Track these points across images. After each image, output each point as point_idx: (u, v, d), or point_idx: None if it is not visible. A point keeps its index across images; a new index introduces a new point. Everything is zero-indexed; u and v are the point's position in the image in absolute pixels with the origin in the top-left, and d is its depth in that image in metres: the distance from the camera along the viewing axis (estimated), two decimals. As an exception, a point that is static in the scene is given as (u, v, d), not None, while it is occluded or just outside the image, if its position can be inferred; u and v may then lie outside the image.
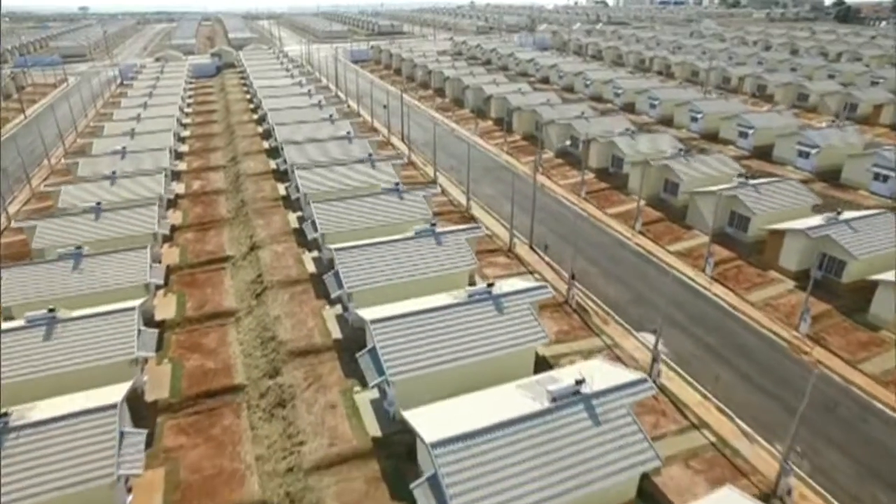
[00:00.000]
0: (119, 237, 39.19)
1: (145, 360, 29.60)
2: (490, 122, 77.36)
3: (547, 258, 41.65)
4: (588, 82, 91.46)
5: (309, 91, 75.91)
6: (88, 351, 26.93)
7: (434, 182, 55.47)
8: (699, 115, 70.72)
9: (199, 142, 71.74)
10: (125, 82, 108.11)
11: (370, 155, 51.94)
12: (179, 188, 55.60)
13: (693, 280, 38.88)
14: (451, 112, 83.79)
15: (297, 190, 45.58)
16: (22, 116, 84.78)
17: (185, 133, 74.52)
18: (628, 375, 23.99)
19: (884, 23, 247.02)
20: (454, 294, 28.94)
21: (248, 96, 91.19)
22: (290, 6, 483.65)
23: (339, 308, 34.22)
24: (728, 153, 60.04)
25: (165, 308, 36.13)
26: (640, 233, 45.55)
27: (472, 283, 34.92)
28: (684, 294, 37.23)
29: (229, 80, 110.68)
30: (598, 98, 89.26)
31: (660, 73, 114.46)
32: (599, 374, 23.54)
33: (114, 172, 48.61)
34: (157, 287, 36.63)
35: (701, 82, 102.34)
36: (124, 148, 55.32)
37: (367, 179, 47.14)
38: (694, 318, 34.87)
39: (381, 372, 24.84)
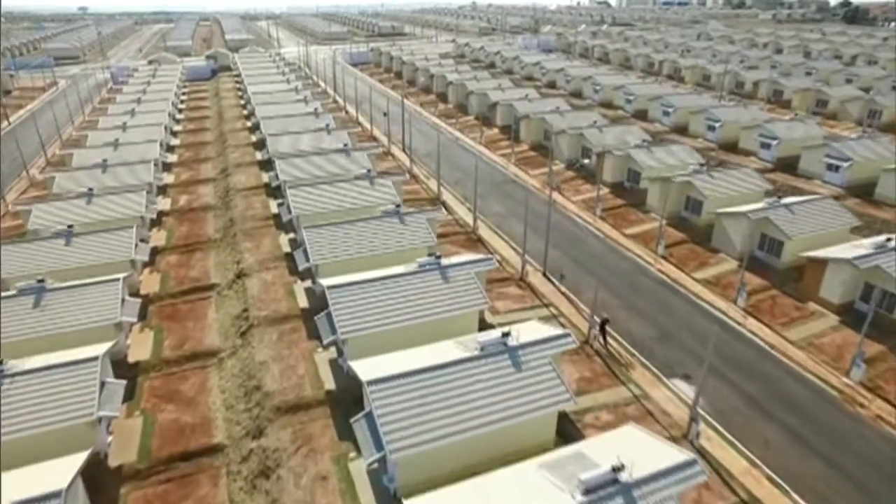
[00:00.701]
0: (93, 264, 35.53)
1: (100, 420, 24.72)
2: (496, 131, 73.65)
3: (563, 288, 37.92)
4: (597, 87, 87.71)
5: (305, 98, 72.22)
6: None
7: (438, 201, 51.82)
8: (717, 124, 66.96)
9: (188, 151, 68.07)
10: (115, 86, 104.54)
11: (369, 171, 48.22)
12: (165, 204, 51.90)
13: (724, 313, 35.17)
14: (454, 119, 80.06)
15: (289, 211, 41.88)
16: (5, 123, 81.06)
17: (175, 142, 70.88)
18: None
19: (893, 23, 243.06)
20: (463, 343, 25.30)
21: (243, 102, 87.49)
22: (289, 6, 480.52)
23: (332, 352, 30.49)
24: (750, 165, 56.43)
25: (140, 347, 32.37)
26: (663, 257, 41.83)
27: (482, 324, 31.30)
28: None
29: (224, 84, 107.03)
30: (607, 104, 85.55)
31: (670, 76, 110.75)
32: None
33: (91, 189, 44.94)
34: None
35: (713, 87, 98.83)
36: (105, 161, 51.61)
37: (365, 199, 43.38)
38: (729, 359, 31.07)
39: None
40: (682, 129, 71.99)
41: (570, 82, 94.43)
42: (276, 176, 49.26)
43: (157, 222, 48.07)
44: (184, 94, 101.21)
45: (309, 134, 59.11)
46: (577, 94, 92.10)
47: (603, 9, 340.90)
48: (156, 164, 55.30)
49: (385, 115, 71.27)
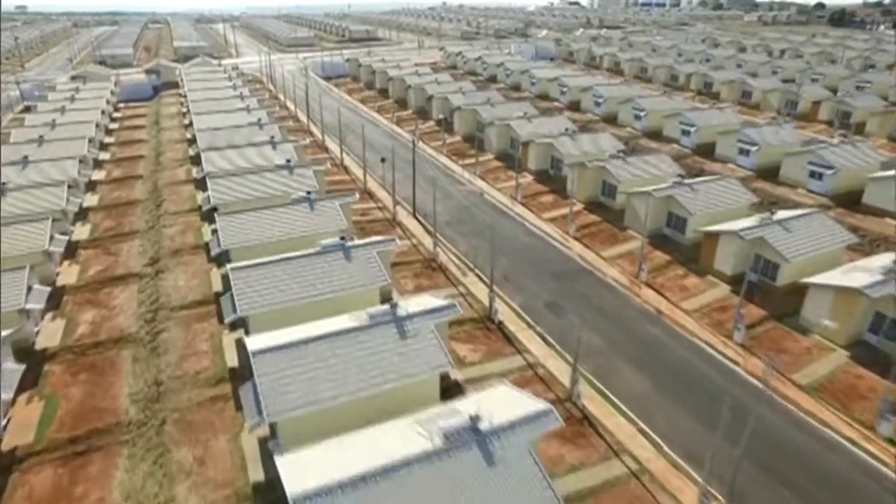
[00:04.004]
0: None
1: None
2: (531, 178, 55.69)
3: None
4: (640, 113, 70.56)
5: (272, 138, 52.62)
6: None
7: (491, 319, 33.59)
8: (829, 171, 50.60)
9: (108, 219, 47.78)
10: (26, 103, 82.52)
11: (384, 279, 29.89)
12: (53, 328, 32.09)
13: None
14: (470, 160, 61.49)
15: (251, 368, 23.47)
16: None
17: (89, 201, 50.63)
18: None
19: (882, 26, 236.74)
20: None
21: (190, 135, 66.89)
22: (247, 5, 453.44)
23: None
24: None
25: None
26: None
27: None
28: None
29: (168, 108, 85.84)
30: (654, 134, 68.68)
31: (699, 92, 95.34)
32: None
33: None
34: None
35: (757, 105, 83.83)
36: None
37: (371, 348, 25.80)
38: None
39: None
40: (770, 172, 55.70)
41: (602, 104, 77.20)
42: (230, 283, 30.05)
43: (41, 358, 28.47)
44: (115, 119, 79.94)
45: (278, 201, 39.71)
46: (612, 119, 74.98)
47: (576, 9, 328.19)
48: (47, 255, 36.12)
49: (383, 160, 52.60)
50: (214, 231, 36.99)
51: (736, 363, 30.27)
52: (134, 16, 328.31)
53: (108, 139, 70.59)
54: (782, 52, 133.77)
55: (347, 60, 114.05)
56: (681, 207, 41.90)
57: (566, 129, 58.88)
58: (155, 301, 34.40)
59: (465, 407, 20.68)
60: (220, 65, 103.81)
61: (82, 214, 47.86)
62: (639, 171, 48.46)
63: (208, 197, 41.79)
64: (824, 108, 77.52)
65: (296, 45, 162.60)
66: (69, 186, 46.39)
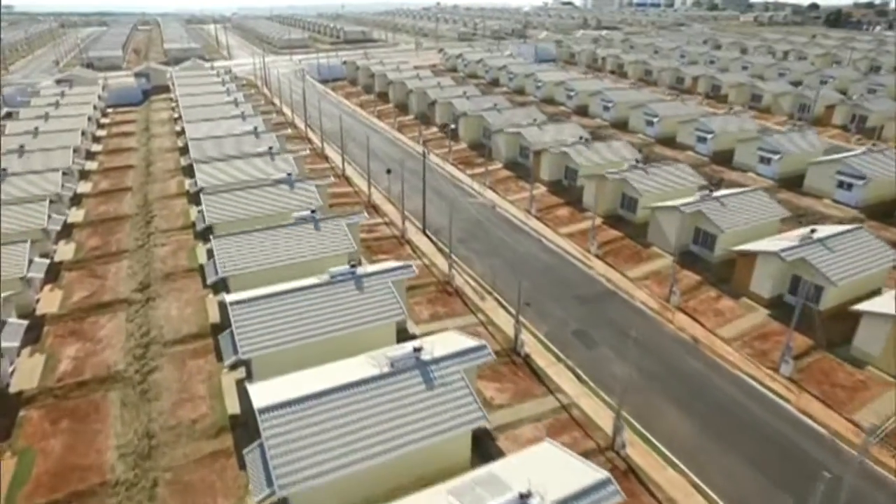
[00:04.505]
0: None
1: None
2: (543, 189, 52.84)
3: None
4: (652, 119, 67.99)
5: (270, 149, 49.42)
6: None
7: (517, 352, 30.63)
8: (860, 182, 48.10)
9: (94, 236, 44.48)
10: (7, 109, 78.71)
11: (401, 312, 26.84)
12: (31, 366, 28.85)
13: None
14: (478, 169, 58.58)
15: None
16: None
17: (74, 216, 47.30)
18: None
19: (878, 27, 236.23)
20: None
21: (182, 143, 63.61)
22: (239, 6, 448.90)
23: None
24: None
25: None
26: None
27: None
28: None
29: (158, 114, 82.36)
30: (667, 141, 66.13)
31: (707, 95, 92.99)
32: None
33: None
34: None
35: (768, 109, 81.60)
36: None
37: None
38: None
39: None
40: (795, 182, 53.16)
41: (610, 109, 74.56)
42: (228, 317, 26.89)
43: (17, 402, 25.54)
44: (103, 126, 76.45)
45: (278, 219, 36.76)
46: (622, 125, 72.34)
47: (571, 9, 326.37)
48: (25, 282, 32.77)
49: (388, 172, 49.64)
50: (210, 253, 33.99)
51: (787, 400, 27.62)
52: (123, 16, 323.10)
53: (95, 147, 67.13)
54: (785, 53, 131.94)
55: (344, 63, 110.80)
56: (710, 224, 39.23)
57: (580, 138, 56.16)
58: (145, 334, 31.25)
59: (505, 474, 17.90)
60: (212, 68, 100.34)
61: (66, 231, 44.55)
62: (660, 183, 45.89)
63: (202, 215, 38.66)
64: (838, 112, 75.38)
65: (290, 47, 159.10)
66: (52, 202, 43.13)
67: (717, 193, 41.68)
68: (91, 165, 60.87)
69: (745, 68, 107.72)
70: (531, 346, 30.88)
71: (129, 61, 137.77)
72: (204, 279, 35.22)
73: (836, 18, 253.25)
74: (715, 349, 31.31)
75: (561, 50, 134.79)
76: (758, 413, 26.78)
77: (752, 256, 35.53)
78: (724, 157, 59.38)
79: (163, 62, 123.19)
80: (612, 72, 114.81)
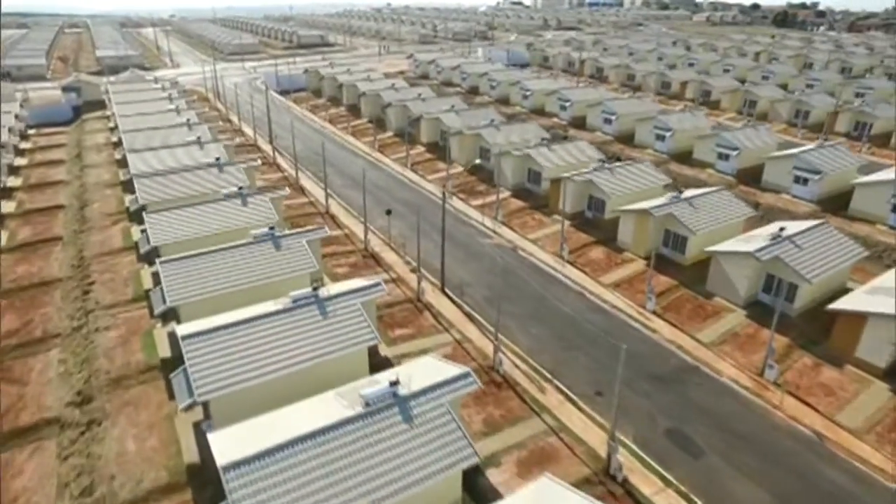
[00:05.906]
0: None
1: None
2: (566, 223, 45.45)
3: None
4: (664, 133, 61.96)
5: (241, 189, 39.70)
6: None
7: (613, 477, 23.04)
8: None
9: (9, 314, 33.85)
10: None
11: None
12: None
13: None
14: (483, 199, 50.65)
15: None
16: None
17: (-17, 289, 36.38)
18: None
19: (822, 28, 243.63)
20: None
21: (124, 176, 52.62)
22: (176, 7, 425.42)
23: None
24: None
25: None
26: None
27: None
28: None
29: (93, 137, 70.34)
30: (682, 156, 60.22)
31: (698, 101, 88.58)
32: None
33: None
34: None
35: (765, 115, 77.79)
36: None
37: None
38: None
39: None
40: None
41: (614, 122, 68.27)
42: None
43: None
44: (20, 156, 63.96)
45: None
46: (627, 139, 66.18)
47: (525, 10, 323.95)
48: None
49: (388, 213, 41.13)
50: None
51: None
52: (46, 17, 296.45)
53: (11, 181, 55.29)
54: (757, 55, 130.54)
55: (306, 72, 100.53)
56: (788, 271, 32.96)
57: (600, 161, 49.24)
58: (86, 491, 21.71)
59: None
60: (154, 79, 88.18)
61: (-28, 310, 33.86)
62: (709, 217, 39.49)
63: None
64: (841, 120, 72.02)
65: (240, 53, 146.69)
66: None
67: (789, 233, 35.46)
68: (7, 206, 49.33)
69: (727, 70, 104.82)
70: (629, 465, 23.31)
71: (55, 70, 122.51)
72: (170, 388, 25.84)
73: (784, 19, 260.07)
74: (849, 448, 24.76)
75: (534, 53, 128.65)
76: None
77: (858, 318, 29.31)
78: (751, 176, 53.80)
79: (95, 72, 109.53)
80: (592, 76, 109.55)
